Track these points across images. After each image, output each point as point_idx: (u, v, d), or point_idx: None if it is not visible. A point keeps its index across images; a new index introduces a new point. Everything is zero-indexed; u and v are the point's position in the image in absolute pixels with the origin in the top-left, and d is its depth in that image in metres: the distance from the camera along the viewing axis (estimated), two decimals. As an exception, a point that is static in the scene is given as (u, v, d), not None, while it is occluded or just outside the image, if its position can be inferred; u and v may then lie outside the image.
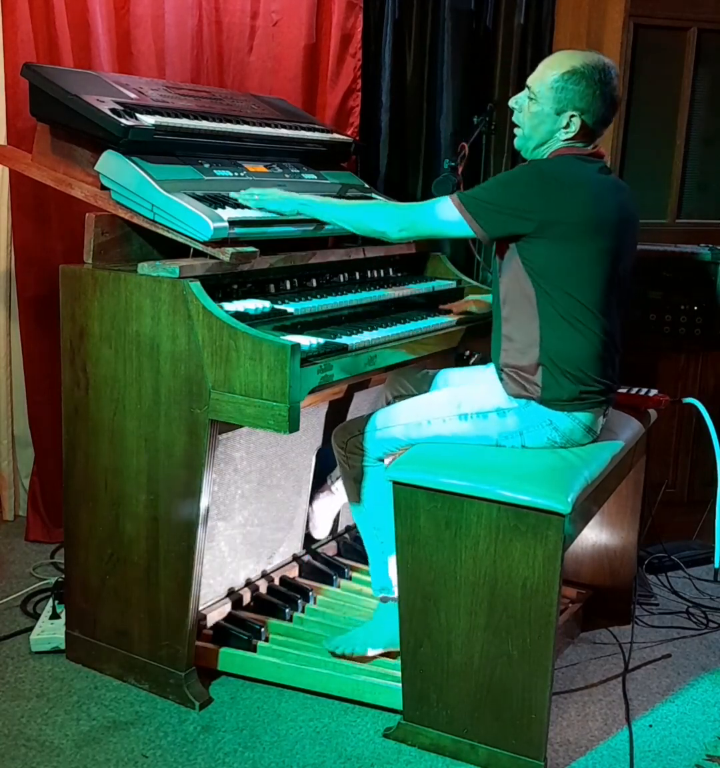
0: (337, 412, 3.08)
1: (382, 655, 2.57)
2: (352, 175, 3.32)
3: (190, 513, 2.38)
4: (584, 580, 3.04)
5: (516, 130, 2.50)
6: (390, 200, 3.15)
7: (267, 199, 2.58)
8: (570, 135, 2.38)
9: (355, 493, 2.63)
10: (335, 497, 3.04)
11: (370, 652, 2.55)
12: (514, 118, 2.50)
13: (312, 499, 3.08)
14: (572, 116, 2.36)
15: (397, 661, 2.41)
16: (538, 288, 2.34)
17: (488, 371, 2.60)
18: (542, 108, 2.39)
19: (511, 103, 2.50)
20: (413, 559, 2.32)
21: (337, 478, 3.00)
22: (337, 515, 3.21)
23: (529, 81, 2.44)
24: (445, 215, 2.37)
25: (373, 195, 3.20)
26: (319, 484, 3.10)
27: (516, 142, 2.51)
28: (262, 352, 2.16)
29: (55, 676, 2.61)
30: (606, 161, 2.48)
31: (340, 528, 3.30)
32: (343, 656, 2.54)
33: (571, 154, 2.39)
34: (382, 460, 2.59)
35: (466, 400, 2.47)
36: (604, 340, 2.39)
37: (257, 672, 2.58)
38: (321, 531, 3.10)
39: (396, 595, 2.49)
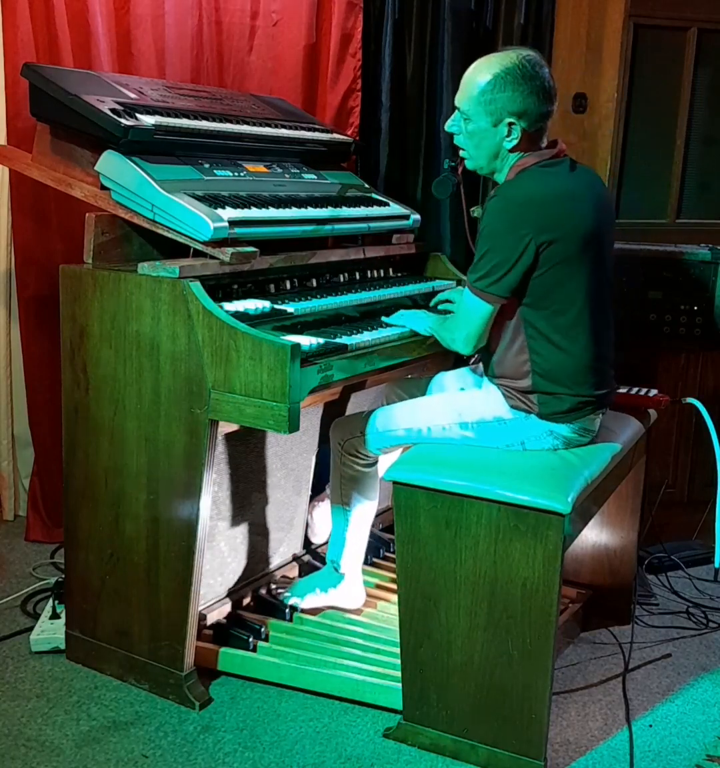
0: (334, 414, 3.08)
1: (321, 607, 2.75)
2: (352, 175, 3.32)
3: (190, 513, 2.38)
4: (584, 580, 3.03)
5: (461, 153, 2.45)
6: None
7: (409, 319, 2.66)
8: (514, 142, 2.33)
9: (340, 487, 2.65)
10: None
11: (308, 601, 2.74)
12: (455, 142, 2.44)
13: (311, 506, 3.08)
14: (511, 124, 2.31)
15: (398, 661, 2.41)
16: (523, 313, 2.33)
17: (484, 382, 2.60)
18: (478, 124, 2.34)
19: (448, 127, 2.44)
20: (413, 559, 2.32)
21: None
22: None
23: (457, 101, 2.38)
24: (474, 309, 2.33)
25: (373, 195, 3.20)
26: (318, 488, 3.10)
27: (467, 164, 2.46)
28: (262, 352, 2.16)
29: (55, 676, 2.61)
30: (567, 153, 2.40)
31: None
32: (288, 605, 2.75)
33: (534, 165, 2.33)
34: (376, 462, 2.60)
35: (466, 410, 2.45)
36: (596, 346, 2.37)
37: (257, 672, 2.58)
38: (320, 537, 3.11)
39: (342, 570, 2.70)
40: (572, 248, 2.27)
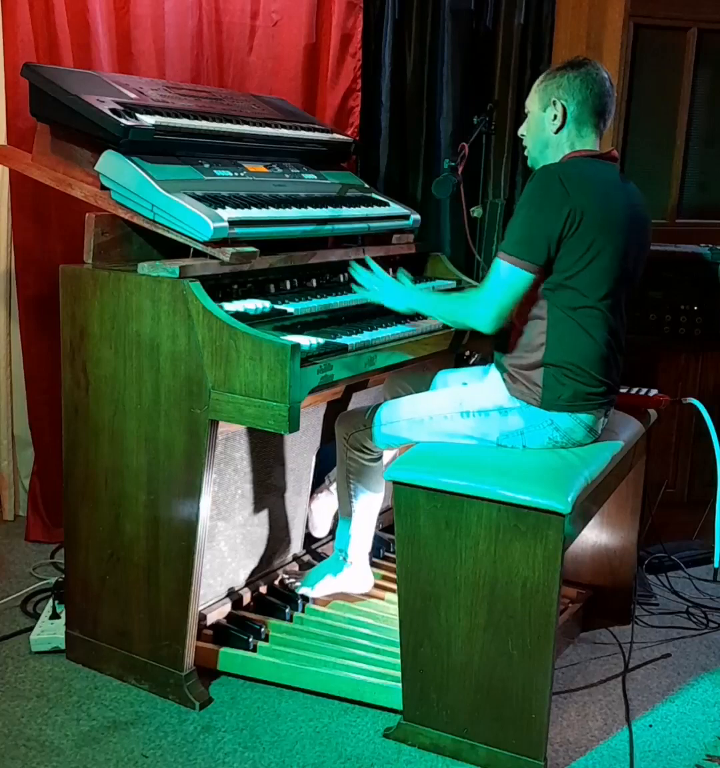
0: (336, 413, 3.07)
1: (331, 595, 2.80)
2: (352, 175, 3.32)
3: (190, 513, 2.38)
4: (584, 580, 3.03)
5: (525, 152, 2.55)
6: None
7: (386, 293, 2.63)
8: (557, 123, 2.42)
9: (344, 479, 2.69)
10: (333, 497, 3.05)
11: (319, 587, 2.78)
12: (524, 143, 2.55)
13: (311, 499, 3.09)
14: (554, 102, 2.42)
15: (398, 661, 2.41)
16: (547, 286, 2.34)
17: (489, 371, 2.61)
18: (532, 111, 2.50)
19: (519, 132, 2.56)
20: (413, 559, 2.32)
21: (336, 479, 3.01)
22: (337, 514, 3.21)
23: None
24: (507, 278, 2.31)
25: (373, 195, 3.20)
26: (318, 484, 3.11)
27: (528, 162, 2.56)
28: (262, 352, 2.16)
29: (55, 676, 2.61)
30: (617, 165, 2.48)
31: (340, 528, 3.31)
32: (300, 594, 2.81)
33: (581, 157, 2.40)
34: (381, 456, 2.62)
35: (468, 398, 2.47)
36: (610, 340, 2.39)
37: (257, 672, 2.58)
38: (320, 530, 3.12)
39: (350, 559, 2.74)
40: (598, 236, 2.30)
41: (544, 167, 2.39)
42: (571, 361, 2.36)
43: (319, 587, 2.78)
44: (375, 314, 2.79)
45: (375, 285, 2.65)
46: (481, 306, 2.36)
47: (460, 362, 3.28)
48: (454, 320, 2.51)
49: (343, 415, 2.72)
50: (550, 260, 2.31)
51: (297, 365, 2.15)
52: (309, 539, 3.15)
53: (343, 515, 2.75)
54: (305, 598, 2.80)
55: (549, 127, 2.44)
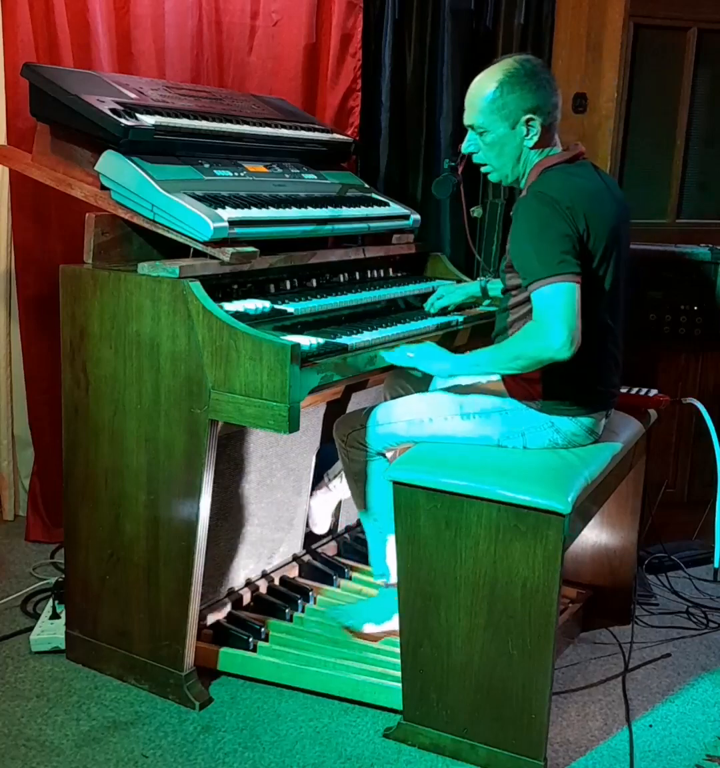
0: (335, 413, 3.08)
1: (381, 633, 2.63)
2: (352, 175, 3.32)
3: (190, 513, 2.38)
4: (584, 580, 3.03)
5: (484, 169, 2.44)
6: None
7: (421, 359, 2.45)
8: (535, 138, 2.33)
9: (355, 486, 2.65)
10: (332, 494, 3.05)
11: (367, 629, 2.62)
12: (475, 160, 2.44)
13: (311, 496, 3.08)
14: (529, 120, 2.32)
15: (398, 661, 2.41)
16: None
17: None
18: (496, 133, 2.34)
19: (465, 148, 2.44)
20: (413, 559, 2.32)
21: (335, 476, 3.01)
22: (338, 512, 3.21)
23: (467, 120, 2.39)
24: (557, 298, 2.16)
25: (373, 195, 3.20)
26: (317, 482, 3.11)
27: (491, 178, 2.44)
28: (262, 352, 2.16)
29: (55, 676, 2.61)
30: (586, 156, 2.42)
31: (340, 528, 3.31)
32: (343, 627, 2.65)
33: (557, 165, 2.34)
34: (383, 454, 2.60)
35: (468, 400, 2.47)
36: (610, 347, 2.39)
37: (257, 672, 2.58)
38: (321, 527, 3.11)
39: (394, 580, 2.55)
40: (599, 244, 2.28)
41: (534, 192, 2.27)
42: (572, 375, 2.34)
43: (369, 628, 2.62)
44: (375, 314, 2.80)
45: (409, 351, 2.47)
46: (551, 337, 2.16)
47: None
48: (521, 361, 2.26)
49: (339, 419, 2.71)
50: (583, 258, 2.22)
51: (297, 365, 2.15)
52: (309, 539, 3.15)
53: (369, 532, 2.66)
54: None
55: (523, 143, 2.34)
